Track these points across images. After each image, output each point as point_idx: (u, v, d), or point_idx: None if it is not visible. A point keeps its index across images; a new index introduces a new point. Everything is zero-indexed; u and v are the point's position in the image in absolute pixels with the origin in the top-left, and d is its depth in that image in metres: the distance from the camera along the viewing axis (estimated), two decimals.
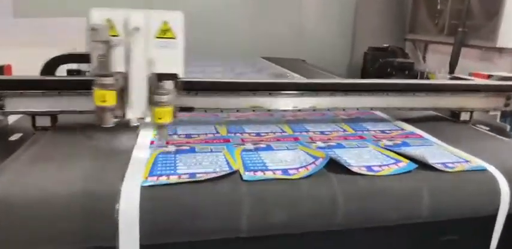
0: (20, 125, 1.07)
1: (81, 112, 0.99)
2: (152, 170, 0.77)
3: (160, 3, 2.86)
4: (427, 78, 2.76)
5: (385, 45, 3.29)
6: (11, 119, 1.07)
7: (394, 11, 3.76)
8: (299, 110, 1.12)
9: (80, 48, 2.50)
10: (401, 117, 1.25)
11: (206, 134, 1.01)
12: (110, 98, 0.78)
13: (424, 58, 3.56)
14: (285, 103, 1.11)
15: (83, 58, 1.43)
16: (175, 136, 0.99)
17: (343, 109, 1.17)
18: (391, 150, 0.92)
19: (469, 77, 1.49)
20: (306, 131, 1.08)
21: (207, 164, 0.81)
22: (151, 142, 0.92)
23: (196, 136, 1.00)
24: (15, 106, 0.98)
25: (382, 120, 1.24)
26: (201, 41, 2.92)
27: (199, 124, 1.09)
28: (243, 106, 1.07)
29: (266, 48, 3.20)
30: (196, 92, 1.01)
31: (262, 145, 0.94)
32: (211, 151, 0.89)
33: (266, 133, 1.05)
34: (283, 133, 1.06)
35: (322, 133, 1.07)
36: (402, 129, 1.14)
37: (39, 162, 0.80)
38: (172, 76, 0.84)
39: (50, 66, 1.13)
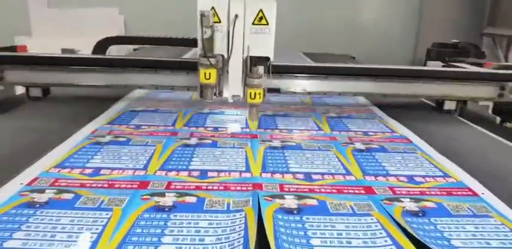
0: None
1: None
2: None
3: None
4: None
5: (454, 40, 2.75)
6: None
7: (470, 0, 3.22)
8: None
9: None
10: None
11: (158, 126, 1.04)
12: (212, 76, 0.89)
13: (506, 57, 3.01)
14: None
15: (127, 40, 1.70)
16: (123, 127, 1.02)
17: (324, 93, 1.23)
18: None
19: (464, 65, 1.32)
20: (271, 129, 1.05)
21: (126, 158, 0.81)
22: (92, 132, 0.97)
23: (152, 127, 1.03)
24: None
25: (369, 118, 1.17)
26: None
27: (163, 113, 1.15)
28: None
29: (313, 43, 2.98)
30: (281, 74, 1.10)
31: (207, 141, 0.93)
32: (146, 144, 0.90)
33: (223, 128, 1.05)
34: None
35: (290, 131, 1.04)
36: (392, 131, 1.05)
37: None
38: (265, 60, 0.93)
39: (101, 45, 1.30)
